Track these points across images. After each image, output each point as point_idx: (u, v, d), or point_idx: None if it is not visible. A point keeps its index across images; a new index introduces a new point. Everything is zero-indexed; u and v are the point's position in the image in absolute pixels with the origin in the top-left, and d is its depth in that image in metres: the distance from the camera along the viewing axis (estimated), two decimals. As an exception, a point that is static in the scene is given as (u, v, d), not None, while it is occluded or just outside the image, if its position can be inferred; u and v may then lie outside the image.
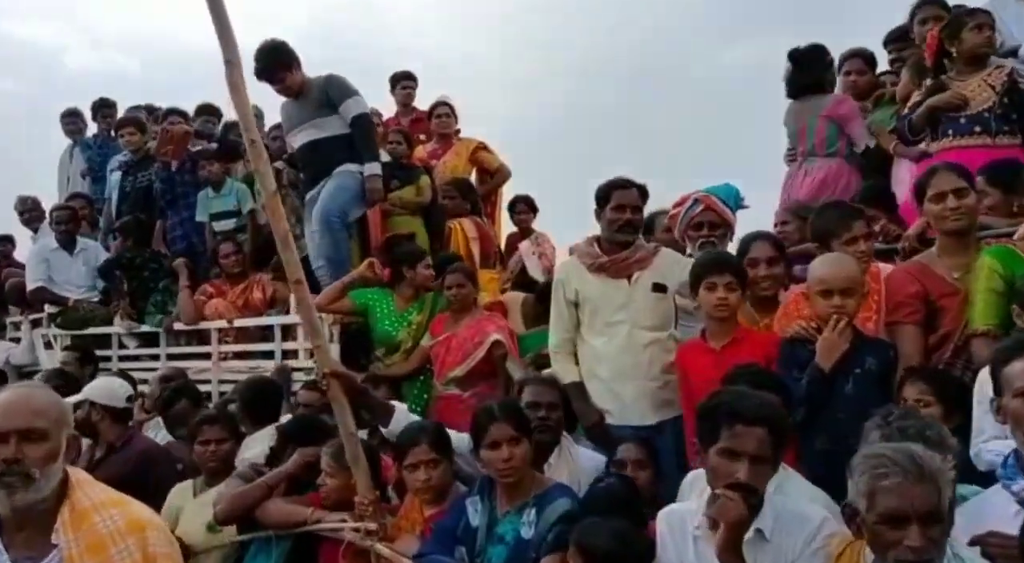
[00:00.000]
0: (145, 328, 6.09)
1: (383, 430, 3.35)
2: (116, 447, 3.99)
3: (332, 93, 5.34)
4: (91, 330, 6.52)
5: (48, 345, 6.97)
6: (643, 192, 3.92)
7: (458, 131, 6.84)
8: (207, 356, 5.70)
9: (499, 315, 4.89)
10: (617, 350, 3.73)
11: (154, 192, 6.46)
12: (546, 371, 4.00)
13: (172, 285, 6.03)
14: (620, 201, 3.77)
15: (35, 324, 7.18)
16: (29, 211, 7.43)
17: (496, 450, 2.81)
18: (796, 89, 5.11)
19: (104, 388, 4.17)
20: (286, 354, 5.25)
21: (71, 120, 7.87)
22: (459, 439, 3.16)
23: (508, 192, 6.83)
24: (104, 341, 6.45)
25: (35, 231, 7.49)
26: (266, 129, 6.97)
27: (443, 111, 6.66)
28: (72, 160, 7.83)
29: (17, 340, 7.34)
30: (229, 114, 6.39)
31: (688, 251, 4.17)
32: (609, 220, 3.78)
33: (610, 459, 3.27)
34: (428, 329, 4.96)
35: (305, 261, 5.62)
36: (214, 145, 6.53)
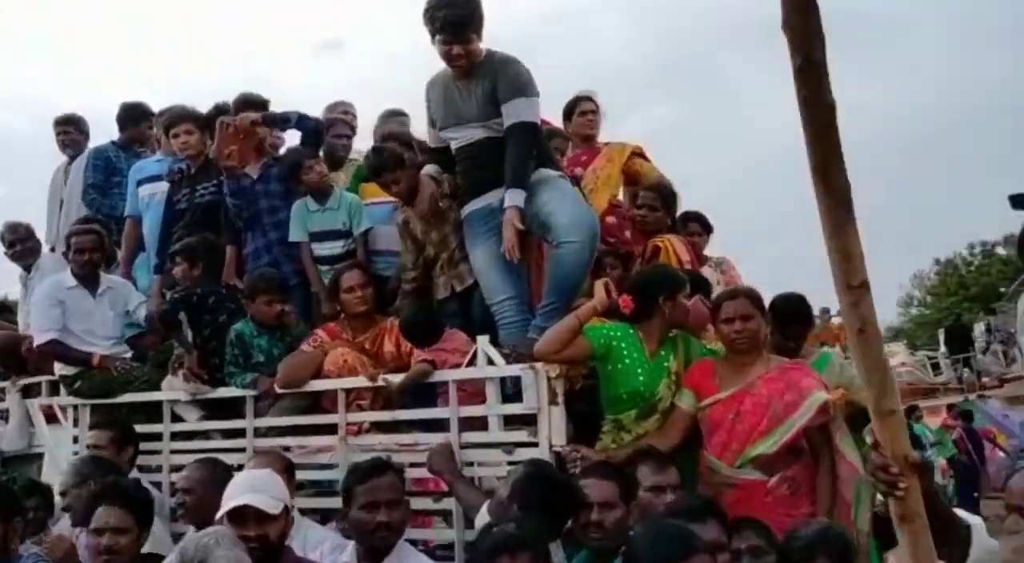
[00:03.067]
0: (222, 392, 4.35)
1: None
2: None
3: (501, 84, 3.92)
4: (128, 398, 4.73)
5: (51, 420, 5.11)
6: None
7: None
8: (327, 429, 4.04)
9: (806, 365, 3.48)
10: None
11: (226, 209, 4.77)
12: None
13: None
14: None
15: (27, 392, 5.33)
16: (21, 241, 5.59)
17: None
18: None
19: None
20: (469, 424, 3.66)
21: (67, 128, 6.11)
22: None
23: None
24: (147, 411, 4.69)
25: (27, 269, 5.65)
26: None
27: (588, 107, 5.27)
28: (68, 178, 6.04)
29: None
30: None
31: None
32: None
33: None
34: (683, 382, 3.52)
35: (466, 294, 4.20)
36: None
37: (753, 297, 3.47)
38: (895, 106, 67.01)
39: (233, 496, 2.81)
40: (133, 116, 6.06)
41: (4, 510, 3.16)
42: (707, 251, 5.07)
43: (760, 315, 3.41)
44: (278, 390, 4.12)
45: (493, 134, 3.97)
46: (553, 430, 3.37)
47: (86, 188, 5.75)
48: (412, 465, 3.71)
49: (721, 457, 3.32)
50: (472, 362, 3.66)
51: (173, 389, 4.50)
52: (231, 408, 4.42)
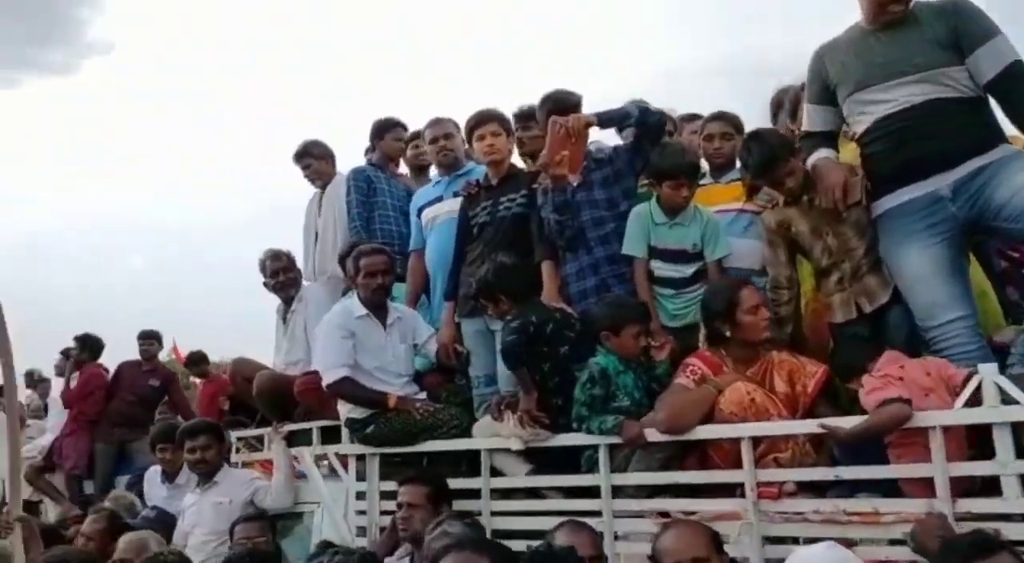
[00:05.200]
0: (565, 440, 3.54)
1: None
2: None
3: (964, 25, 3.05)
4: (428, 447, 3.99)
5: (329, 473, 4.43)
6: None
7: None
8: (724, 489, 3.14)
9: None
10: None
11: (541, 224, 4.02)
12: None
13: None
14: None
15: (293, 440, 4.70)
16: (284, 270, 5.04)
17: None
18: None
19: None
20: (961, 485, 2.68)
21: (306, 161, 5.55)
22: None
23: None
24: (452, 463, 3.95)
25: (287, 301, 5.08)
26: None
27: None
28: (321, 209, 5.49)
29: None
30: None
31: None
32: None
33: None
34: None
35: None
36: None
37: None
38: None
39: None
40: (378, 129, 5.53)
41: None
42: None
43: None
44: (649, 438, 3.27)
45: (945, 93, 3.08)
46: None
47: (351, 213, 5.16)
48: (867, 542, 2.77)
49: None
50: (973, 399, 2.69)
51: (495, 436, 3.73)
52: (566, 461, 3.61)
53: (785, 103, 4.28)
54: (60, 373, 7.77)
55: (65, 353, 7.72)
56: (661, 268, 3.80)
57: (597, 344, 3.49)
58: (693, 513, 3.11)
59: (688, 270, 3.79)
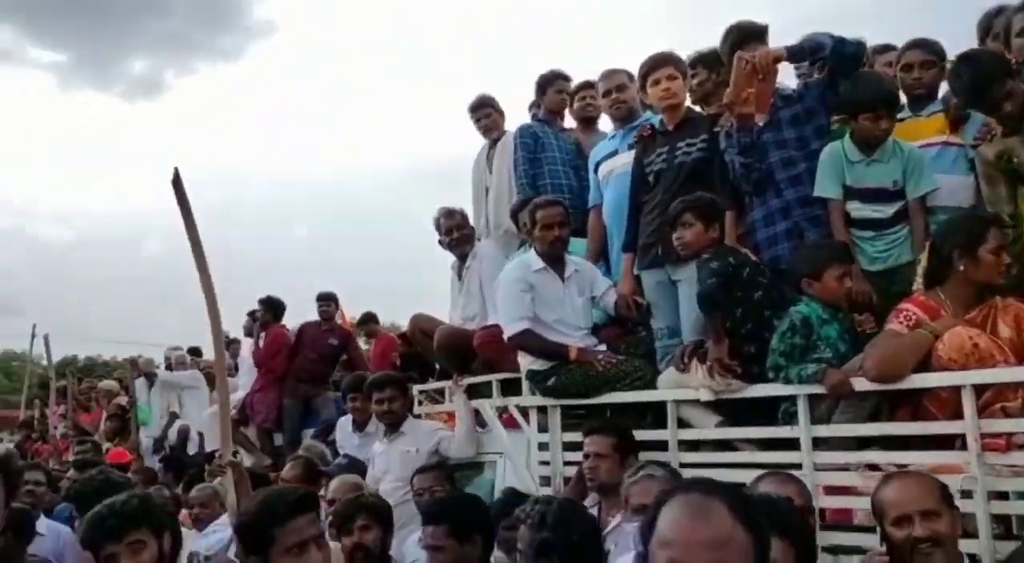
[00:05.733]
0: (760, 391, 3.41)
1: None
2: None
3: None
4: (612, 398, 3.96)
5: (509, 423, 4.50)
6: None
7: None
8: (939, 441, 2.92)
9: None
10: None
11: (724, 169, 3.86)
12: None
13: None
14: None
15: (472, 392, 4.80)
16: (458, 228, 5.12)
17: None
18: None
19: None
20: None
21: (484, 111, 5.61)
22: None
23: None
24: (635, 415, 3.90)
25: (462, 258, 5.17)
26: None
27: None
28: (492, 164, 5.52)
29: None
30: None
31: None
32: None
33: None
34: None
35: None
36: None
37: None
38: None
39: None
40: (541, 84, 5.48)
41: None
42: None
43: None
44: (856, 387, 3.08)
45: None
46: None
47: (517, 171, 5.17)
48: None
49: None
50: None
51: (681, 387, 3.65)
52: (761, 413, 3.48)
53: (996, 28, 3.89)
54: (248, 333, 8.28)
55: (252, 315, 8.23)
56: (859, 209, 3.56)
57: (798, 293, 3.31)
58: (905, 466, 2.91)
59: (889, 210, 3.53)
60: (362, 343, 8.99)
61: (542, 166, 5.15)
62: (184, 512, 5.07)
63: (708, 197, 3.65)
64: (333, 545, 3.15)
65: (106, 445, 8.58)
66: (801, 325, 3.21)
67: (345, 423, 5.52)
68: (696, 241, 3.59)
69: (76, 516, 4.26)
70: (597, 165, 4.65)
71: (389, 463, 4.62)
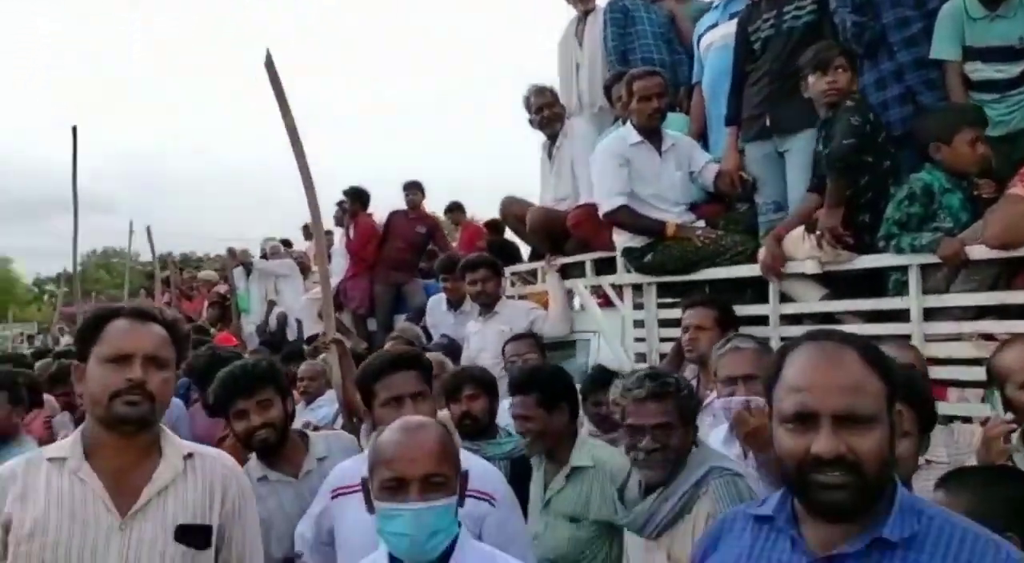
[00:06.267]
0: (869, 261, 3.32)
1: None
2: None
3: None
4: (709, 274, 3.93)
5: (605, 303, 4.53)
6: None
7: None
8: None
9: None
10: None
11: (835, 31, 3.65)
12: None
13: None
14: None
15: (565, 272, 4.83)
16: (548, 106, 4.99)
17: None
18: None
19: None
20: None
21: None
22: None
23: None
24: (735, 291, 3.87)
25: (552, 138, 5.09)
26: None
27: None
28: (583, 39, 5.32)
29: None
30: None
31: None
32: None
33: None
34: None
35: None
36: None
37: None
38: None
39: None
40: None
41: None
42: None
43: None
44: (972, 256, 2.97)
45: None
46: None
47: (606, 46, 4.99)
48: None
49: None
50: None
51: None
52: (868, 286, 3.40)
53: None
54: (339, 223, 8.43)
55: (340, 205, 8.36)
56: (981, 70, 3.33)
57: (921, 159, 3.15)
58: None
59: (1015, 69, 3.30)
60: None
61: (633, 41, 4.97)
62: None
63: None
64: (442, 413, 3.29)
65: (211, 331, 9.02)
66: (921, 193, 3.07)
67: (438, 303, 5.61)
68: (849, 87, 3.40)
69: (194, 390, 4.54)
70: (699, 39, 4.46)
71: (485, 341, 4.72)
